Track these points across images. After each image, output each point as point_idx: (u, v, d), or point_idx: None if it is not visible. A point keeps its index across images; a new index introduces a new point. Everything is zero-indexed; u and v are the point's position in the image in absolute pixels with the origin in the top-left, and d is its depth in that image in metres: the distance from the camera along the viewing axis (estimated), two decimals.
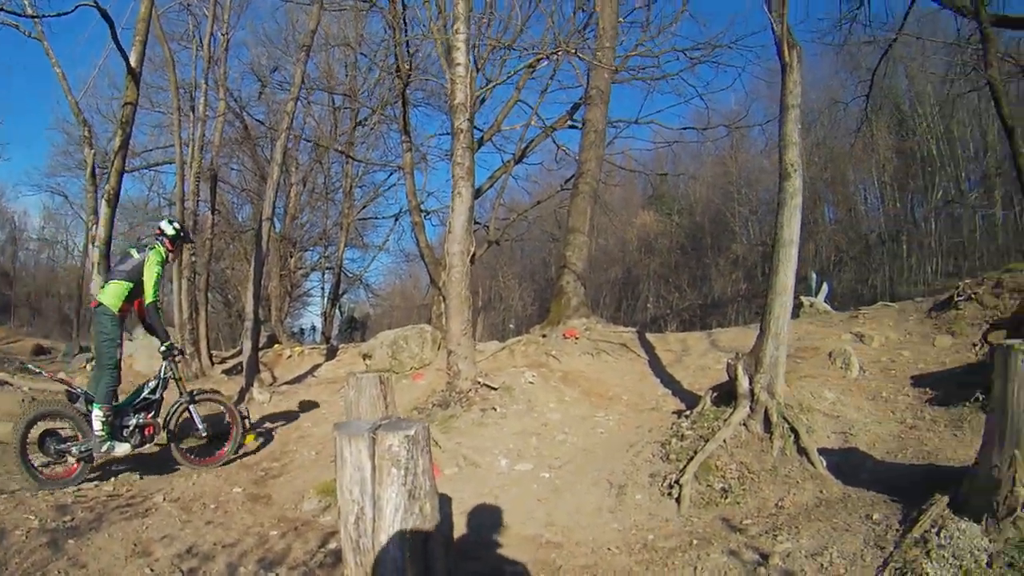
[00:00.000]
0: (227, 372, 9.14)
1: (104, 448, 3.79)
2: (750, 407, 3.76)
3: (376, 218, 20.63)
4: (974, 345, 4.46)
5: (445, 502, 3.10)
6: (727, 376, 4.09)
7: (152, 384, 4.16)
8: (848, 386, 4.51)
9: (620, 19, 7.99)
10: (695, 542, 2.84)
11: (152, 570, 2.80)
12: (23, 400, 4.72)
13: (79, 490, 3.51)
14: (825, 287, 9.15)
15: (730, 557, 2.65)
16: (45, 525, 2.97)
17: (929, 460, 3.61)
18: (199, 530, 3.30)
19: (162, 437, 3.68)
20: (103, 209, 5.61)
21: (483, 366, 6.21)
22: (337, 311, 21.65)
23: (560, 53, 7.01)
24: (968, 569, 2.46)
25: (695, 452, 3.72)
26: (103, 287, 4.11)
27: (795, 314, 7.19)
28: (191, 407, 4.20)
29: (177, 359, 4.11)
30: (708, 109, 10.80)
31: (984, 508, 2.69)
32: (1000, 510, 2.57)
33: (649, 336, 7.39)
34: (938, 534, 2.59)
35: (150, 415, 3.85)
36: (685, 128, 11.82)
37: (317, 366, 8.86)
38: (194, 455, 4.12)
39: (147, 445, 3.81)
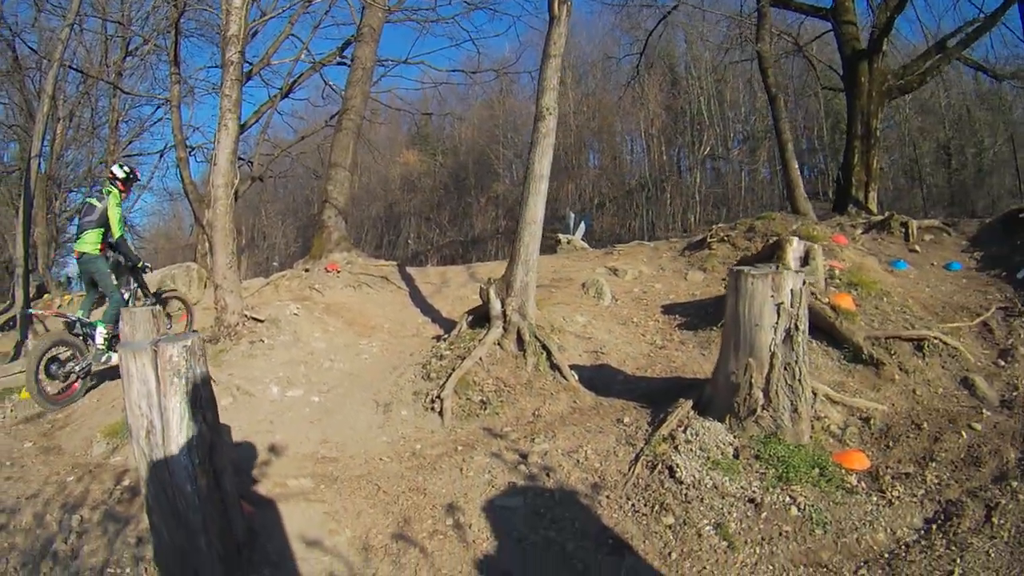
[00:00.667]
0: None
1: (103, 359, 8.44)
2: (503, 327, 7.81)
3: (141, 155, 32.45)
4: (723, 280, 9.91)
5: (224, 430, 5.60)
6: (481, 300, 8.17)
7: (126, 296, 8.83)
8: (600, 312, 9.17)
9: None
10: (460, 448, 6.05)
11: None
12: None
13: None
14: (583, 226, 18.75)
15: (493, 458, 5.76)
16: None
17: (677, 374, 7.40)
18: (0, 487, 6.08)
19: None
20: None
21: (249, 302, 10.30)
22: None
23: None
24: (716, 459, 5.62)
25: (453, 370, 7.41)
26: (80, 238, 8.64)
27: (553, 250, 14.99)
28: (158, 306, 8.53)
29: (145, 273, 9.24)
30: (479, 54, 25.06)
31: (726, 410, 6.09)
32: (741, 410, 6.03)
33: (410, 269, 12.92)
34: (684, 431, 5.95)
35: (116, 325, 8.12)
36: (454, 71, 24.84)
37: None
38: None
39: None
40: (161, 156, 32.28)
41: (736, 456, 5.90)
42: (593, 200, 38.35)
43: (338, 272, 11.83)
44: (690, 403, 6.56)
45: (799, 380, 6.14)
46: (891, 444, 6.54)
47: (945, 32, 18.79)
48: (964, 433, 6.56)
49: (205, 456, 4.44)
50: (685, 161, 39.09)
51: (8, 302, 18.05)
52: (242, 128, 17.11)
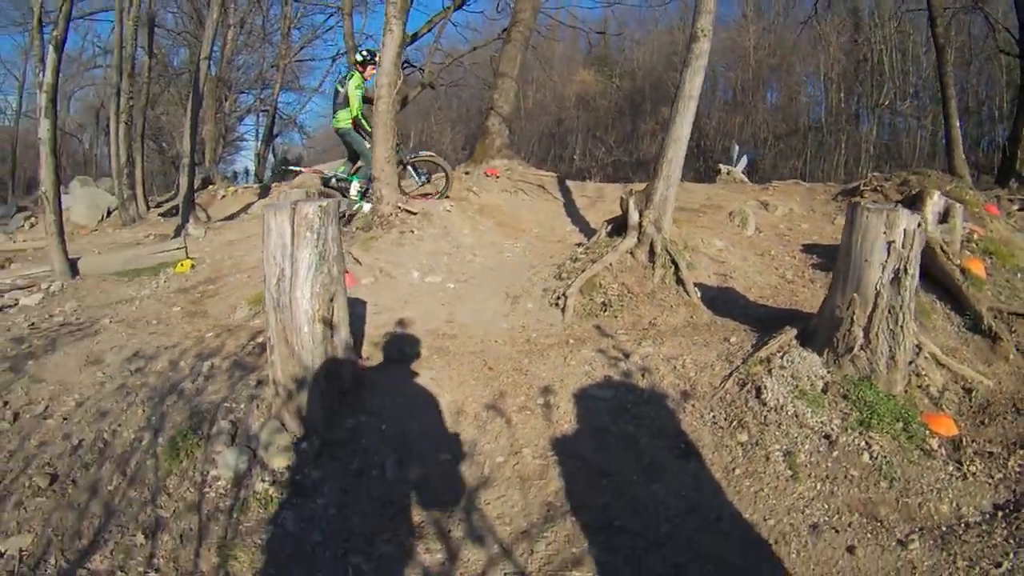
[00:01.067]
0: (163, 215, 17.20)
1: (355, 207, 10.83)
2: (637, 237, 8.16)
3: (313, 60, 36.91)
4: None
5: (360, 304, 7.09)
6: (621, 211, 8.54)
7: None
8: (740, 240, 9.35)
9: None
10: (571, 341, 6.54)
11: (104, 373, 6.36)
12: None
13: (32, 324, 7.98)
14: (745, 159, 18.46)
15: (598, 353, 6.20)
16: (6, 354, 6.86)
17: (797, 308, 7.52)
18: (144, 340, 7.12)
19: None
20: (50, 55, 10.32)
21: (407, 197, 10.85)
22: (271, 153, 35.57)
23: None
24: (803, 390, 5.80)
25: (583, 271, 7.83)
26: (335, 117, 11.17)
27: (712, 180, 15.63)
28: (409, 167, 11.45)
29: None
30: None
31: (826, 343, 6.19)
32: (840, 346, 6.10)
33: (569, 183, 13.29)
34: (782, 357, 6.10)
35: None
36: None
37: (250, 204, 17.29)
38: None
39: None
40: (333, 61, 33.35)
41: (824, 391, 6.00)
42: (762, 136, 37.83)
43: (497, 177, 12.41)
44: (794, 332, 6.67)
45: (901, 326, 6.13)
46: (986, 421, 6.37)
47: None
48: None
49: (326, 304, 5.16)
50: (864, 110, 37.53)
51: (173, 192, 19.73)
52: (414, 37, 18.64)
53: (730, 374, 6.11)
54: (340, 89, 11.35)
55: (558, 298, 7.70)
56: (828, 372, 6.19)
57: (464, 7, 19.94)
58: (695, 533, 4.51)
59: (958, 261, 8.17)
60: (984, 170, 17.49)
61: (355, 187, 11.40)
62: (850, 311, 6.18)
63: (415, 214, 9.85)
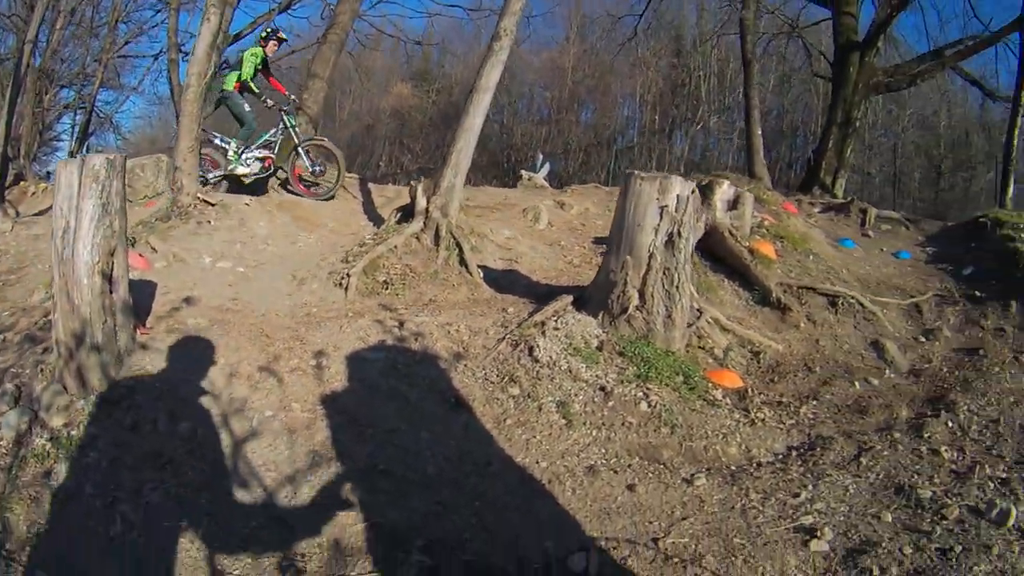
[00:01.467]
0: None
1: (230, 167, 11.54)
2: (423, 222, 8.60)
3: (137, 56, 33.66)
4: None
5: (151, 285, 6.95)
6: (409, 198, 8.97)
7: (272, 131, 11.77)
8: (531, 232, 9.90)
9: None
10: (350, 314, 6.64)
11: None
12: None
13: None
14: (547, 167, 18.93)
15: (374, 323, 6.33)
16: None
17: (579, 285, 7.67)
18: None
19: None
20: None
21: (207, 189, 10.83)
22: (84, 151, 32.74)
23: None
24: (577, 347, 6.03)
25: (368, 254, 7.99)
26: (225, 77, 11.85)
27: (513, 185, 15.99)
28: (301, 150, 11.71)
29: (297, 111, 12.17)
30: None
31: (602, 306, 6.49)
32: (615, 307, 6.45)
33: (370, 184, 13.52)
34: (556, 320, 6.29)
35: (269, 152, 11.61)
36: (454, 5, 22.36)
37: None
38: (306, 186, 12.07)
39: (265, 174, 11.79)
40: (155, 59, 32.70)
41: (600, 349, 6.23)
42: (572, 148, 39.78)
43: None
44: (570, 298, 6.95)
45: (677, 286, 6.49)
46: (776, 379, 6.86)
47: (947, 41, 19.66)
48: (857, 384, 6.89)
49: (106, 258, 5.15)
50: (678, 129, 40.16)
51: None
52: (236, 37, 18.75)
53: (504, 338, 6.31)
54: (238, 57, 12.15)
55: (341, 278, 7.88)
56: (604, 332, 6.46)
57: (289, 11, 20.47)
58: (463, 476, 4.60)
59: (747, 243, 8.68)
60: (796, 188, 18.85)
61: (230, 147, 11.80)
62: (624, 272, 6.53)
63: (214, 205, 9.87)
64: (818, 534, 4.50)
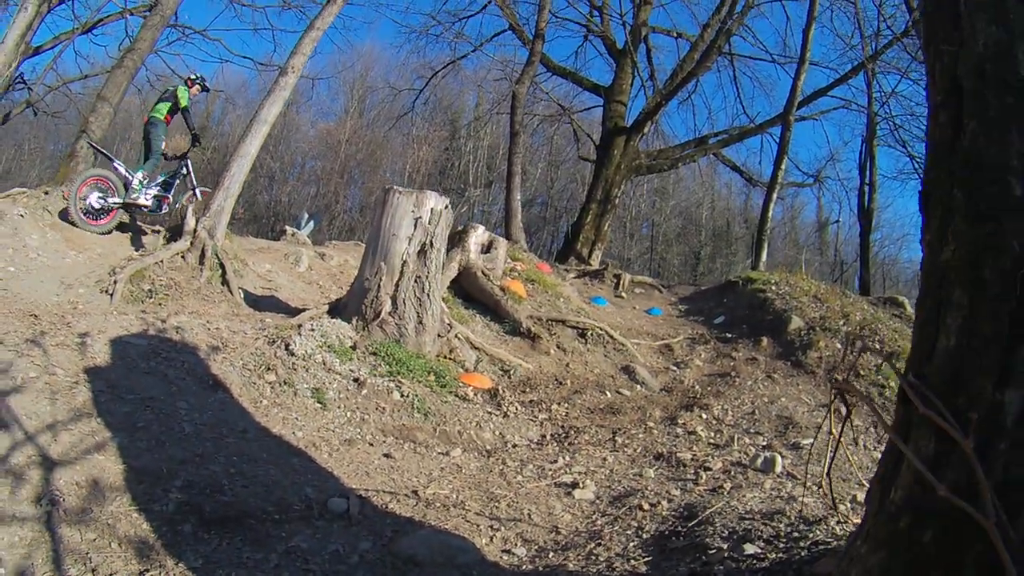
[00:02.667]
0: None
1: (134, 196, 11.59)
2: (191, 241, 9.18)
3: None
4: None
5: None
6: (179, 219, 9.31)
7: (172, 172, 12.30)
8: (291, 272, 10.82)
9: None
10: (115, 313, 7.06)
11: None
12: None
13: None
14: (312, 224, 20.95)
15: (138, 319, 6.87)
16: None
17: None
18: None
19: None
20: None
21: None
22: None
23: None
24: (331, 344, 6.69)
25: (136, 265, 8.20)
26: (155, 107, 12.62)
27: (277, 238, 15.99)
28: (197, 192, 11.71)
29: (196, 148, 12.48)
30: (275, 48, 28.16)
31: (356, 312, 7.23)
32: (368, 312, 7.22)
33: (140, 223, 12.95)
34: (312, 323, 6.96)
35: (167, 193, 11.91)
36: (245, 57, 33.64)
37: None
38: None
39: (159, 212, 12.11)
40: None
41: (354, 348, 6.84)
42: (335, 206, 41.39)
43: None
44: (326, 307, 7.68)
45: (428, 294, 7.28)
46: (527, 389, 7.59)
47: (715, 130, 22.30)
48: (609, 394, 7.77)
49: None
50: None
51: None
52: (36, 51, 18.25)
53: (260, 336, 6.81)
54: (173, 90, 12.52)
55: (108, 286, 8.25)
56: (358, 335, 7.08)
57: (92, 32, 19.94)
58: (220, 437, 4.96)
59: (499, 283, 9.55)
60: (554, 260, 20.17)
61: (137, 177, 11.91)
62: (378, 278, 7.25)
63: None
64: (580, 486, 5.12)
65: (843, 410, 3.31)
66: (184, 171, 12.57)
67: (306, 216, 22.94)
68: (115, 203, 11.69)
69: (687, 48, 21.38)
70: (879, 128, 20.61)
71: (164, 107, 12.42)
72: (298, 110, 45.89)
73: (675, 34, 23.04)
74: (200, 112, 43.73)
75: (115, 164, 12.33)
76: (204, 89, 13.44)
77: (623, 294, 13.69)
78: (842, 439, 3.22)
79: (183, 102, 12.47)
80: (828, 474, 3.29)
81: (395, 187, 7.50)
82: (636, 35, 21.17)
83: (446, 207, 7.30)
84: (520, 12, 22.88)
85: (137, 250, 10.71)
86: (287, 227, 18.34)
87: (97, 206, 11.54)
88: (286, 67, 10.29)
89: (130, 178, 11.94)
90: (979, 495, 1.88)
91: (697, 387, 8.26)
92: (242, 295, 8.97)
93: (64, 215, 10.67)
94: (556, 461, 5.65)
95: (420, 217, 7.25)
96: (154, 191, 12.13)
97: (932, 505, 2.06)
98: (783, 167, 18.08)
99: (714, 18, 19.78)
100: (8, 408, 4.61)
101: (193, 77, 13.10)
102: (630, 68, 21.19)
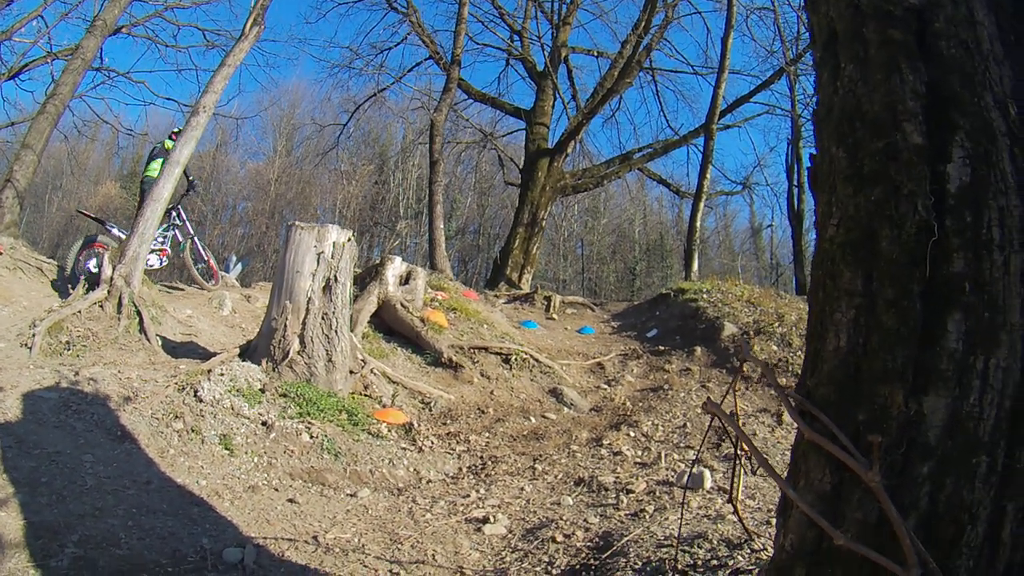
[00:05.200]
0: None
1: None
2: (108, 291, 8.73)
3: None
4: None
5: None
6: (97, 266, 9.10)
7: (166, 224, 12.56)
8: (214, 316, 10.36)
9: None
10: (31, 367, 6.74)
11: None
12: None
13: None
14: (240, 266, 19.31)
15: (53, 372, 6.58)
16: None
17: None
18: None
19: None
20: None
21: None
22: None
23: None
24: (240, 388, 6.37)
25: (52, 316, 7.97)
26: (149, 166, 12.88)
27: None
28: (195, 240, 12.96)
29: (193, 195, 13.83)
30: (200, 90, 19.94)
31: (265, 354, 6.90)
32: (277, 353, 6.90)
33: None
34: (222, 367, 6.62)
35: (165, 245, 12.73)
36: (169, 98, 32.56)
37: None
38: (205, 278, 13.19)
39: (160, 266, 12.90)
40: None
41: (263, 391, 6.58)
42: (265, 245, 41.24)
43: (0, 252, 12.04)
44: (236, 350, 7.32)
45: (336, 331, 7.04)
46: (448, 421, 7.34)
47: (640, 145, 22.41)
48: (534, 419, 7.53)
49: None
50: (376, 238, 42.27)
51: None
52: None
53: (171, 384, 6.56)
54: (162, 145, 12.50)
55: (27, 340, 7.99)
56: (267, 377, 6.80)
57: (18, 78, 19.77)
58: (122, 489, 4.74)
59: (419, 314, 9.41)
60: (484, 287, 20.11)
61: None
62: (284, 318, 6.98)
63: None
64: (491, 520, 4.84)
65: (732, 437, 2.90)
66: (178, 221, 12.68)
67: (234, 258, 22.10)
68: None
69: (608, 66, 21.19)
70: (804, 130, 20.62)
71: (157, 164, 12.15)
72: (227, 151, 46.17)
73: (596, 53, 22.97)
74: (130, 156, 45.36)
75: (109, 227, 12.47)
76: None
77: (554, 316, 13.43)
78: (739, 466, 2.79)
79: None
80: (731, 501, 2.88)
81: (296, 223, 7.31)
82: (555, 57, 21.09)
83: (349, 239, 7.10)
84: (440, 41, 22.55)
85: (62, 300, 10.26)
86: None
87: (96, 271, 11.07)
88: (197, 106, 9.98)
89: (122, 237, 11.76)
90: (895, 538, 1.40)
91: (628, 404, 8.06)
92: (160, 342, 8.72)
93: (63, 283, 10.75)
94: (469, 495, 5.42)
95: (323, 252, 7.04)
96: (154, 246, 12.06)
97: (832, 554, 1.59)
98: (708, 176, 18.04)
99: (632, 34, 19.53)
100: None
101: (177, 130, 12.46)
102: (551, 90, 21.15)
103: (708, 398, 2.52)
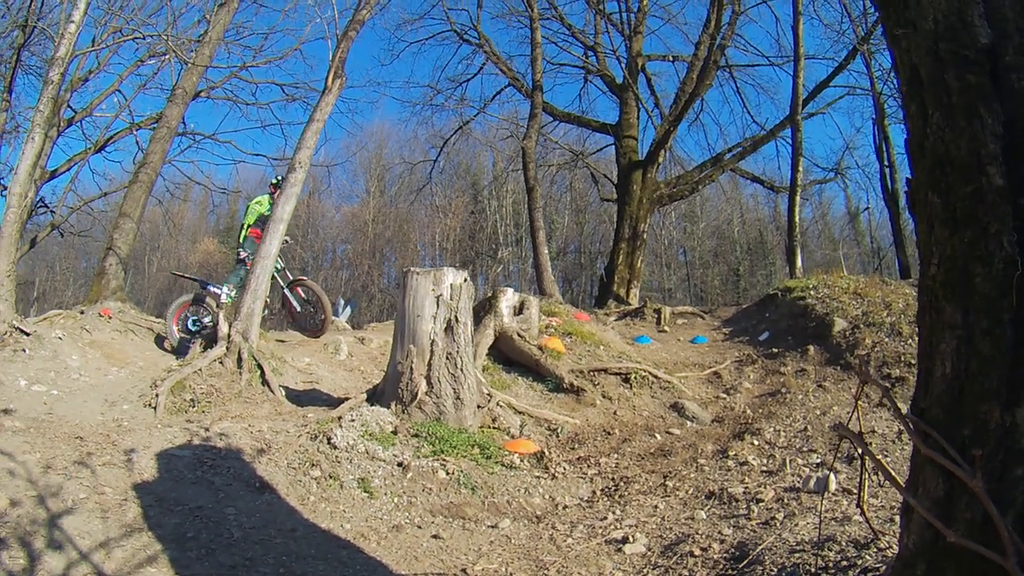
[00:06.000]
0: None
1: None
2: (226, 347, 9.16)
3: None
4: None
5: None
6: (213, 323, 9.77)
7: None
8: (331, 361, 10.87)
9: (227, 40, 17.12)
10: (159, 426, 7.01)
11: None
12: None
13: None
14: (349, 309, 21.53)
15: (182, 429, 6.79)
16: None
17: None
18: None
19: None
20: None
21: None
22: None
23: (170, 55, 15.14)
24: (372, 432, 6.66)
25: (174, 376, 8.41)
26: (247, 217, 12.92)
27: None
28: (287, 291, 12.42)
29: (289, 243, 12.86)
30: (286, 143, 23.72)
31: (393, 397, 7.16)
32: (405, 396, 7.14)
33: None
34: (351, 413, 6.91)
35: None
36: (258, 154, 29.02)
37: None
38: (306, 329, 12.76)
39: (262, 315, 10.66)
40: None
41: (395, 432, 6.80)
42: (370, 285, 42.33)
43: (110, 317, 12.71)
44: (364, 395, 7.61)
45: (461, 369, 7.21)
46: (576, 446, 7.50)
47: (728, 145, 22.17)
48: (659, 436, 7.63)
49: None
50: (480, 274, 42.27)
51: None
52: (52, 175, 18.59)
53: (303, 431, 6.85)
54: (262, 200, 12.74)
55: (151, 400, 8.30)
56: (398, 419, 7.03)
57: (104, 151, 20.12)
58: (268, 539, 4.92)
59: (536, 342, 9.51)
60: (592, 306, 20.22)
61: (224, 291, 12.29)
62: (409, 361, 7.18)
63: (29, 335, 9.98)
64: (630, 540, 4.96)
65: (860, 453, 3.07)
66: (278, 266, 12.64)
67: (343, 302, 23.29)
68: (210, 321, 11.85)
69: (685, 69, 21.17)
70: (887, 107, 20.27)
71: (247, 220, 12.78)
72: (320, 197, 47.03)
73: (671, 58, 23.19)
74: (225, 213, 46.77)
75: (206, 285, 13.02)
76: (277, 186, 13.04)
77: (666, 328, 13.55)
78: (865, 478, 2.97)
79: (264, 208, 12.71)
80: (859, 504, 3.05)
81: (412, 268, 7.58)
82: (632, 67, 21.13)
83: (465, 280, 7.36)
84: (516, 67, 22.92)
85: (177, 359, 10.79)
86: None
87: (195, 329, 11.91)
88: (293, 163, 10.37)
89: (219, 292, 12.34)
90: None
91: (748, 411, 8.11)
92: (283, 393, 8.98)
93: (160, 343, 11.35)
94: (606, 517, 5.53)
95: (441, 295, 7.28)
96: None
97: (947, 550, 1.82)
98: (800, 168, 17.79)
99: (704, 34, 19.67)
100: (62, 530, 4.72)
101: (274, 181, 13.09)
102: (634, 101, 21.17)
103: (839, 422, 2.72)
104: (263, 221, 12.15)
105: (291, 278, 13.14)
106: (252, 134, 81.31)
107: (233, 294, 12.15)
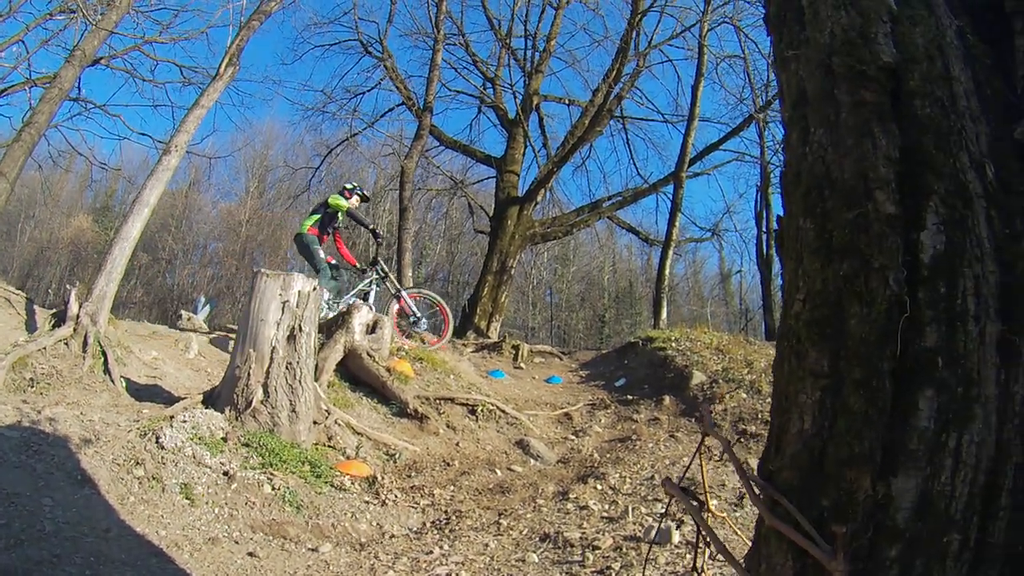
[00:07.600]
0: None
1: (321, 315, 10.26)
2: (74, 328, 8.55)
3: None
4: None
5: None
6: (64, 303, 8.93)
7: (367, 280, 13.26)
8: (180, 358, 10.07)
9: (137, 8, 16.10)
10: None
11: None
12: None
13: None
14: (208, 308, 20.29)
15: (15, 409, 6.40)
16: None
17: None
18: None
19: None
20: None
21: None
22: None
23: (79, 12, 14.52)
24: (202, 436, 6.21)
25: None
26: (303, 222, 13.18)
27: (174, 324, 14.85)
28: (404, 295, 13.04)
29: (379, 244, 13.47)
30: (175, 128, 20.43)
31: (229, 402, 6.71)
32: (240, 402, 6.70)
33: (37, 307, 12.31)
34: (184, 414, 6.46)
35: (370, 299, 12.66)
36: (143, 134, 32.25)
37: None
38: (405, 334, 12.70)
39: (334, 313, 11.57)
40: None
41: (225, 440, 6.48)
42: (231, 288, 41.59)
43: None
44: (200, 396, 7.25)
45: (300, 381, 6.92)
46: (413, 474, 7.25)
47: (609, 193, 22.57)
48: (500, 472, 7.41)
49: None
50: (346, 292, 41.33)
51: None
52: None
53: (133, 429, 6.48)
54: (325, 202, 12.61)
55: None
56: (230, 426, 6.69)
57: None
58: (80, 536, 4.66)
59: (385, 364, 9.34)
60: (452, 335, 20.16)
61: (325, 294, 11.63)
62: (248, 366, 6.83)
63: None
64: None
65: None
66: (380, 273, 12.94)
67: (203, 300, 23.14)
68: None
69: (579, 114, 21.49)
70: (773, 176, 20.84)
71: (308, 221, 12.61)
72: (200, 190, 46.62)
73: (567, 101, 23.19)
74: (103, 190, 46.10)
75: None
76: (364, 199, 13.54)
77: (522, 365, 13.43)
78: (701, 546, 2.70)
79: (341, 208, 12.62)
80: (694, 568, 2.78)
81: (263, 270, 7.24)
82: (527, 104, 21.21)
83: (314, 289, 7.10)
84: (413, 87, 22.80)
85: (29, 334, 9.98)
86: (183, 311, 17.77)
87: None
88: (169, 145, 10.01)
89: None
90: None
91: (595, 455, 7.99)
92: (124, 384, 8.54)
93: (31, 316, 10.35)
94: (432, 551, 5.33)
95: (288, 301, 6.98)
96: (344, 306, 11.73)
97: None
98: (677, 224, 18.38)
99: (604, 83, 19.84)
100: None
101: (349, 187, 13.07)
102: (522, 138, 21.28)
103: (667, 478, 2.43)
104: (324, 224, 12.57)
105: (400, 285, 13.50)
106: (143, 111, 77.71)
107: (330, 301, 12.21)
